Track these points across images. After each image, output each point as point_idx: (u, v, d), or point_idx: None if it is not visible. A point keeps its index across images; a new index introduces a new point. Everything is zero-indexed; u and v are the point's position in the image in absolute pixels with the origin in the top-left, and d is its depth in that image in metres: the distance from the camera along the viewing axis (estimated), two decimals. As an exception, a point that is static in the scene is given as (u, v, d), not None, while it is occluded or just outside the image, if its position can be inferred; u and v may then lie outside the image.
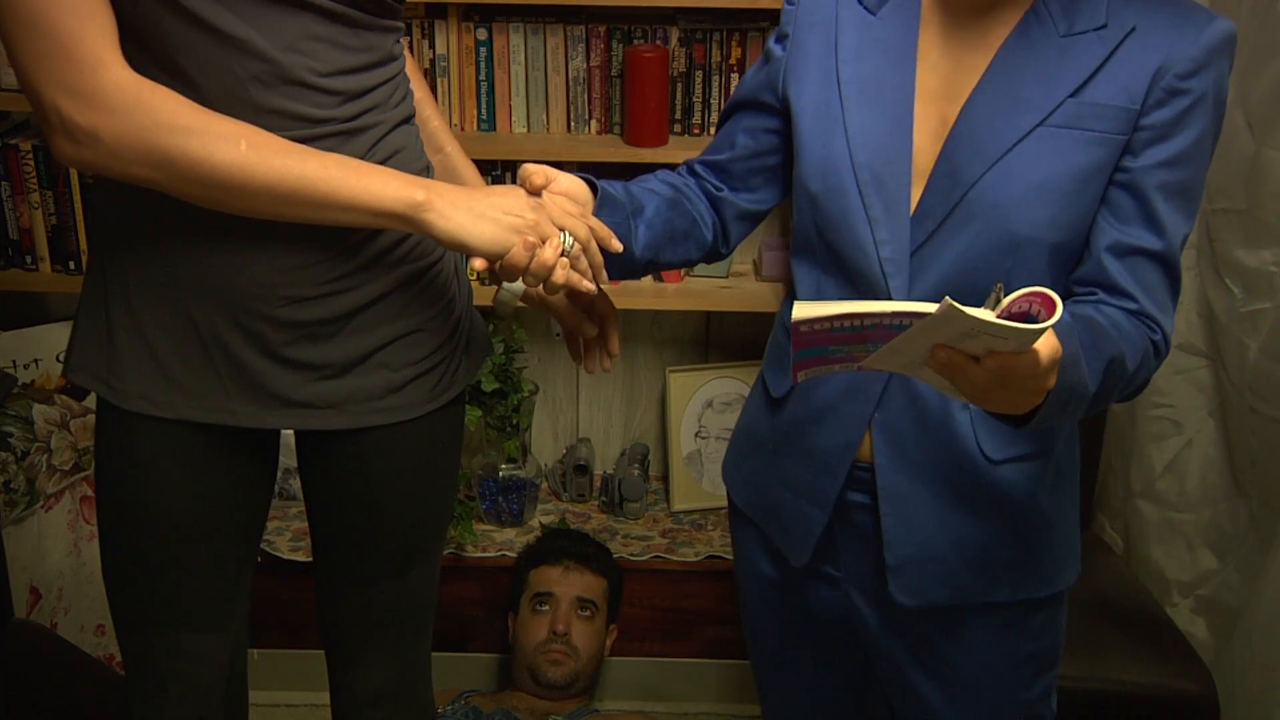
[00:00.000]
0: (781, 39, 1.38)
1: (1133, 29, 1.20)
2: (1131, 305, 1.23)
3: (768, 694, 1.61)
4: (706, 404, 2.67)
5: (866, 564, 1.38)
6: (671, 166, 1.50)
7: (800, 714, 1.58)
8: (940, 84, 1.27)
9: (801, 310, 1.06)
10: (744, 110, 1.42)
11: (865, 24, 1.31)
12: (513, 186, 1.29)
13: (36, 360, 2.37)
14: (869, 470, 1.34)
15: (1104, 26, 1.21)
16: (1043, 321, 1.00)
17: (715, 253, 1.46)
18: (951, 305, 0.98)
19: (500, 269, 1.24)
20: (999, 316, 1.01)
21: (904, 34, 1.29)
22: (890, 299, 1.26)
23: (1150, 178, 1.21)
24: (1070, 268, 1.27)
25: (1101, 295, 1.24)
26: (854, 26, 1.31)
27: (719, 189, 1.43)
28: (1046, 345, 1.05)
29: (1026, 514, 1.34)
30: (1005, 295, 1.03)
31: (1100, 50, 1.21)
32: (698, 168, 1.45)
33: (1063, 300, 1.25)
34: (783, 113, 1.37)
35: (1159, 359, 1.25)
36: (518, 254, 1.22)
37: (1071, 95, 1.21)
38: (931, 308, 1.01)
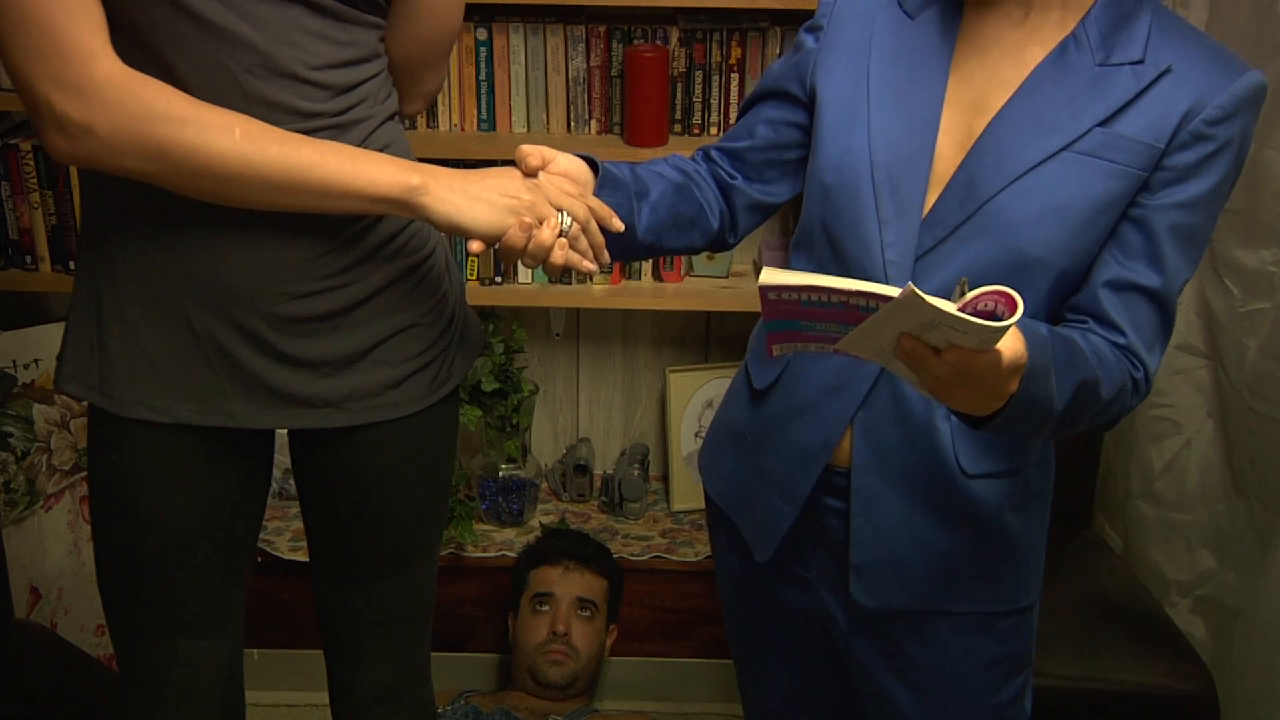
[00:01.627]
0: (814, 30, 1.37)
1: (1168, 69, 1.20)
2: (1120, 339, 1.23)
3: (747, 692, 1.62)
4: (706, 404, 2.67)
5: (835, 567, 1.38)
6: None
7: (779, 713, 1.58)
8: (972, 95, 1.27)
9: (769, 276, 1.05)
10: (768, 100, 1.41)
11: (903, 27, 1.31)
12: (509, 168, 1.28)
13: (36, 360, 2.37)
14: (844, 475, 1.34)
15: (1140, 62, 1.21)
16: (1005, 320, 0.99)
17: (722, 241, 1.45)
18: (913, 292, 0.97)
19: (498, 251, 1.24)
20: (961, 310, 1.00)
21: (940, 41, 1.29)
22: None
23: (1163, 217, 1.21)
24: (1070, 294, 1.27)
25: (1092, 325, 1.24)
26: (891, 28, 1.31)
27: (732, 177, 1.42)
28: (1010, 348, 1.04)
29: (994, 530, 1.34)
30: (970, 289, 1.03)
31: (1133, 85, 1.20)
32: (713, 154, 1.44)
33: (1051, 322, 1.25)
34: (807, 105, 1.37)
35: (1137, 396, 1.25)
36: (514, 235, 1.22)
37: (1100, 124, 1.21)
38: (895, 292, 1.00)
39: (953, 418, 1.28)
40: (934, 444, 1.30)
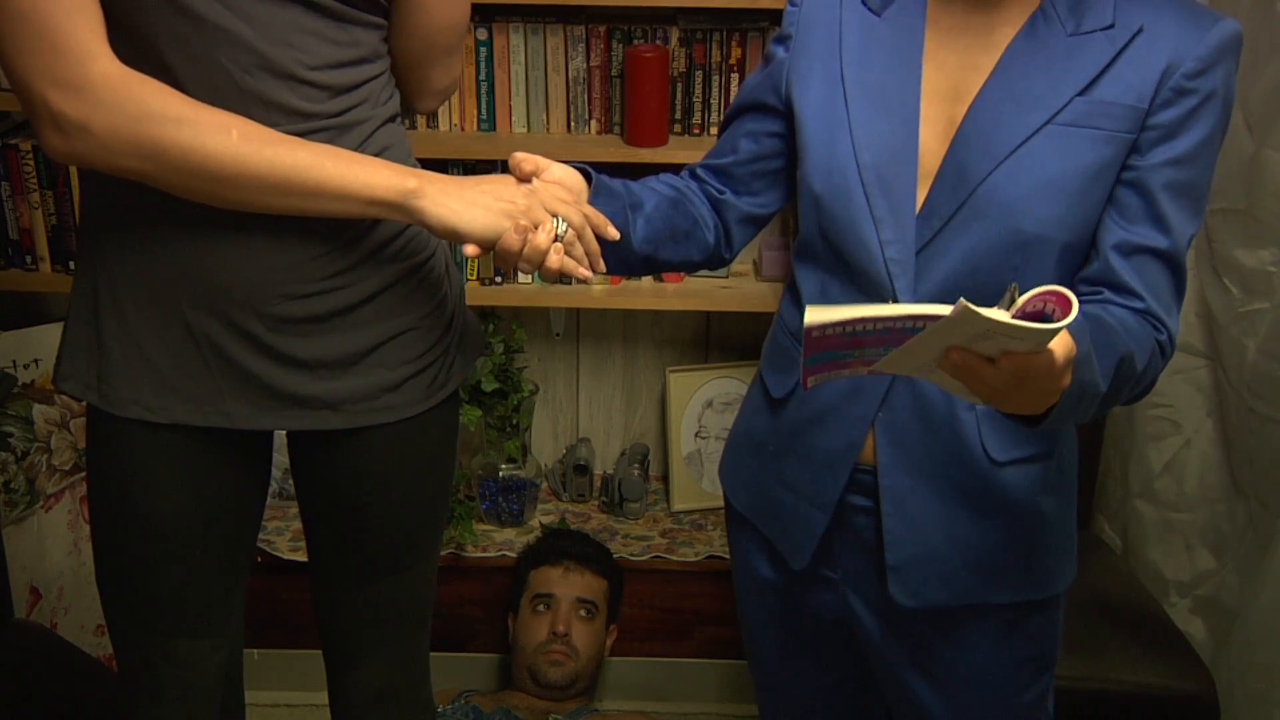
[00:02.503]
0: (783, 40, 1.37)
1: (1140, 29, 1.20)
2: (1138, 304, 1.23)
3: (765, 696, 1.61)
4: (706, 404, 2.67)
5: (865, 567, 1.38)
6: (671, 167, 1.49)
7: (799, 716, 1.58)
8: (947, 84, 1.27)
9: (814, 315, 1.04)
10: (746, 114, 1.42)
11: (869, 25, 1.31)
12: (504, 175, 1.29)
13: (36, 360, 2.37)
14: (870, 473, 1.34)
15: (1111, 26, 1.21)
16: (1058, 320, 0.98)
17: (718, 257, 1.45)
18: (966, 307, 0.96)
19: (494, 255, 1.25)
20: (1014, 316, 0.99)
21: (909, 35, 1.29)
22: (895, 299, 1.26)
23: (1157, 176, 1.21)
24: (1077, 268, 1.27)
25: (1107, 294, 1.24)
26: (858, 28, 1.31)
27: (721, 192, 1.43)
28: (1061, 344, 1.04)
29: (1029, 515, 1.34)
30: (1020, 294, 1.02)
31: (1108, 49, 1.21)
32: (700, 172, 1.45)
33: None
34: (785, 115, 1.37)
35: (1165, 358, 1.25)
36: (510, 239, 1.22)
37: (1079, 94, 1.21)
38: (945, 309, 0.99)
39: (977, 407, 1.28)
40: (959, 435, 1.30)
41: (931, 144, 1.27)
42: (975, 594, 1.35)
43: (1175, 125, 1.21)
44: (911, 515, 1.33)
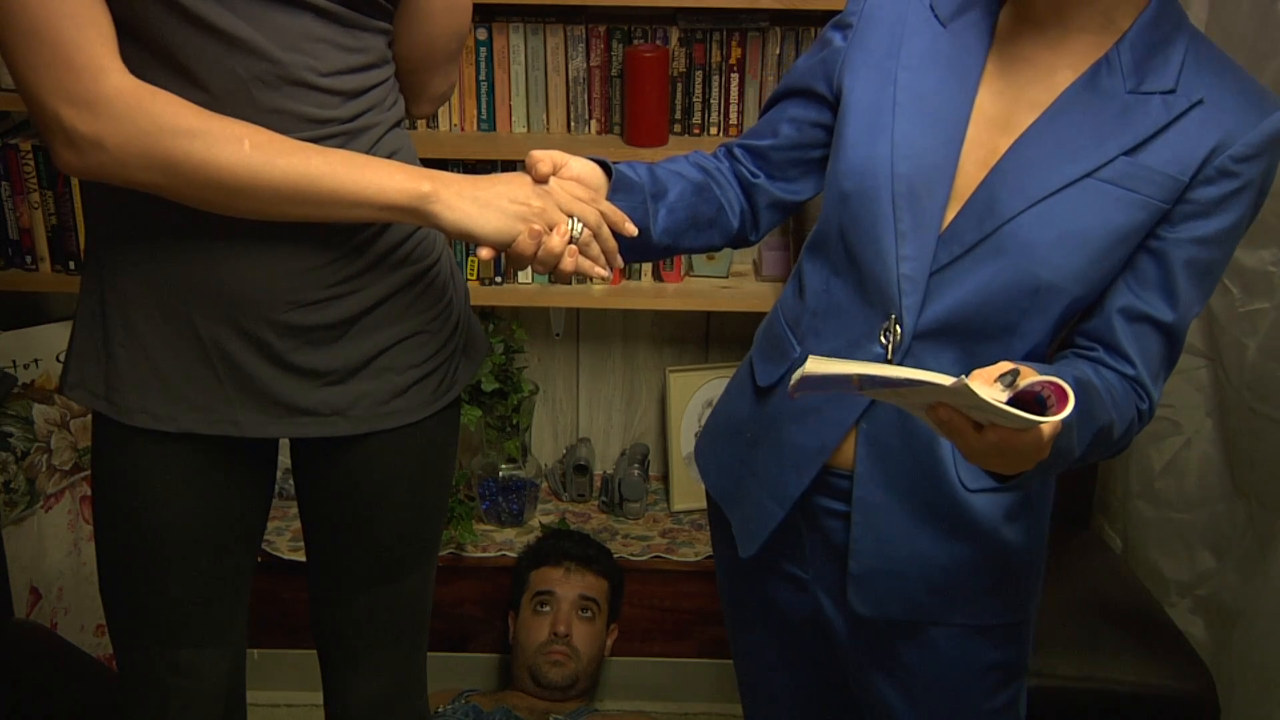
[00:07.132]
0: (842, 28, 1.35)
1: (1199, 101, 1.19)
2: (1129, 370, 1.23)
3: (746, 693, 1.62)
4: (706, 404, 2.67)
5: (834, 570, 1.38)
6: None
7: (780, 714, 1.58)
8: (999, 112, 1.25)
9: (813, 365, 1.05)
10: (792, 98, 1.40)
11: (934, 34, 1.28)
12: (519, 174, 1.28)
13: (36, 360, 2.37)
14: (847, 478, 1.33)
15: (1172, 91, 1.19)
16: (1052, 409, 1.01)
17: (743, 239, 1.44)
18: (966, 385, 0.98)
19: (507, 258, 1.24)
20: (1011, 398, 1.01)
21: (972, 54, 1.26)
22: (900, 316, 1.25)
23: (1180, 251, 1.20)
24: (1078, 319, 1.26)
25: (1102, 354, 1.24)
26: (922, 34, 1.29)
27: (755, 175, 1.41)
28: (1050, 427, 1.04)
29: (993, 544, 1.33)
30: (1019, 379, 1.03)
31: (1163, 116, 1.19)
32: (736, 151, 1.43)
33: (1063, 349, 1.23)
34: (832, 105, 1.35)
35: (1141, 425, 1.25)
36: (524, 242, 1.22)
37: (1125, 153, 1.19)
38: (946, 380, 1.01)
39: None
40: (936, 456, 1.29)
41: (970, 168, 1.25)
42: (931, 613, 1.35)
43: (1211, 205, 1.19)
44: (880, 528, 1.33)
